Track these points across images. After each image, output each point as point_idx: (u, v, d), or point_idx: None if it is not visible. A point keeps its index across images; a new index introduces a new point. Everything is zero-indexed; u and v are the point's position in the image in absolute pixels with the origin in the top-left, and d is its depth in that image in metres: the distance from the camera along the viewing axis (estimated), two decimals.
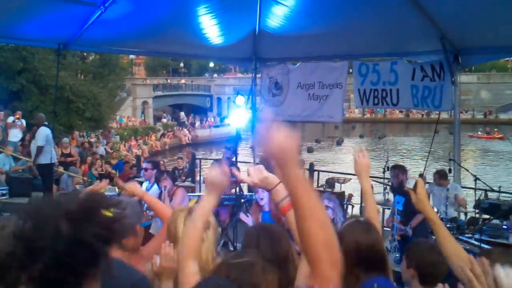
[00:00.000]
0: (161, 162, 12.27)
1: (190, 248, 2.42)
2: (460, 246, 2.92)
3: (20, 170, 13.78)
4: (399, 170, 8.16)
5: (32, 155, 12.01)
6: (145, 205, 7.08)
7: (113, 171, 16.89)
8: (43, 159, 11.42)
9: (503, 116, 63.63)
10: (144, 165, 8.37)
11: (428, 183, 9.64)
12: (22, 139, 16.73)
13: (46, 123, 12.03)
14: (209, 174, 2.56)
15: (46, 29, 9.09)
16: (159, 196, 7.20)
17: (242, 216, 6.49)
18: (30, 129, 13.63)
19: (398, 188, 8.30)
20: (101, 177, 15.96)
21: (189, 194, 10.15)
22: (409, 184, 2.99)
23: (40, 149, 11.29)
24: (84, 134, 27.45)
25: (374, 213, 3.47)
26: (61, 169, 15.11)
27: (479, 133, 49.30)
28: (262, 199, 6.30)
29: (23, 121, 17.18)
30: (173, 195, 7.34)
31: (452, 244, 2.86)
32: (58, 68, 12.31)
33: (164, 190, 7.35)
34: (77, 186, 10.62)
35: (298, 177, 1.71)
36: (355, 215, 3.62)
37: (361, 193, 11.56)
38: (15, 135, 16.61)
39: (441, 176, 9.35)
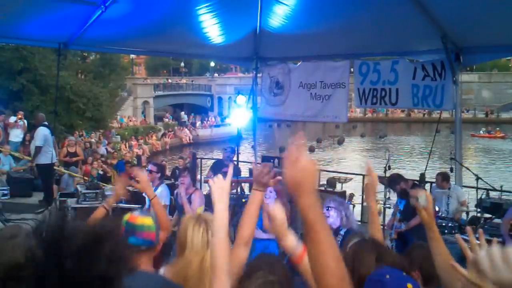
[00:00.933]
0: (165, 164, 12.29)
1: (221, 262, 2.34)
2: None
3: (21, 171, 13.77)
4: (401, 180, 8.25)
5: (31, 155, 12.01)
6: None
7: (114, 171, 16.90)
8: (43, 159, 11.39)
9: (504, 115, 63.64)
10: (149, 166, 8.36)
11: (428, 182, 9.63)
12: (24, 139, 16.70)
13: (46, 122, 12.01)
14: (215, 184, 2.56)
15: (46, 29, 9.09)
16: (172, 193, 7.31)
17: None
18: (31, 129, 13.64)
19: (400, 195, 8.33)
20: (100, 177, 15.99)
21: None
22: (421, 200, 2.96)
23: (38, 149, 11.27)
24: (85, 134, 27.45)
25: (379, 234, 3.67)
26: (62, 169, 15.12)
27: (481, 132, 49.32)
28: (269, 198, 6.26)
29: (25, 121, 17.17)
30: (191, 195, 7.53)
31: (445, 258, 2.80)
32: (59, 67, 12.30)
33: (181, 185, 7.60)
34: (78, 186, 10.58)
35: (315, 205, 1.70)
36: (358, 234, 3.64)
37: (362, 193, 11.59)
38: (16, 135, 16.60)
39: (444, 178, 9.34)
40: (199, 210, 6.34)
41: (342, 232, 5.29)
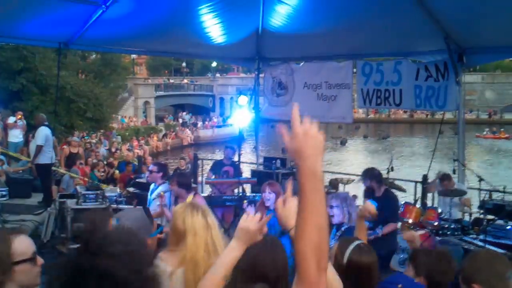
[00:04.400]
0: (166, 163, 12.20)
1: None
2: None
3: (21, 171, 13.72)
4: (365, 174, 7.87)
5: (31, 155, 11.95)
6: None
7: (117, 173, 16.85)
8: (43, 159, 11.34)
9: (507, 116, 63.64)
10: (150, 167, 8.34)
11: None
12: (26, 140, 16.64)
13: (47, 123, 11.96)
14: (245, 222, 2.45)
15: (47, 28, 9.09)
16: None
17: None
18: (30, 130, 13.59)
19: (366, 194, 8.04)
20: (105, 180, 15.94)
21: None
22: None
23: (39, 149, 11.22)
24: (85, 135, 27.42)
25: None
26: (62, 169, 15.07)
27: (485, 133, 49.35)
28: (268, 199, 6.25)
29: (24, 122, 17.13)
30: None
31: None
32: (59, 67, 12.27)
33: (170, 194, 7.24)
34: (78, 187, 10.53)
35: (314, 171, 1.69)
36: (354, 237, 3.66)
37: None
38: (15, 135, 16.54)
39: (447, 179, 9.28)
40: (189, 198, 6.20)
41: (343, 228, 5.24)
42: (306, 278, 1.67)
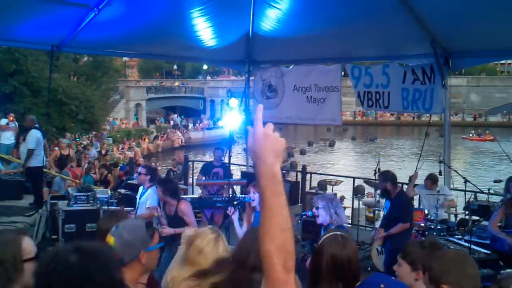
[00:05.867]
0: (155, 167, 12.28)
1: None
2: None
3: (12, 174, 13.71)
4: (381, 176, 8.13)
5: (21, 157, 11.90)
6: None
7: (110, 175, 16.89)
8: (34, 162, 11.32)
9: (492, 119, 64.26)
10: (139, 169, 8.42)
11: (416, 184, 9.73)
12: (17, 142, 16.63)
13: (37, 125, 11.97)
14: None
15: (39, 31, 9.08)
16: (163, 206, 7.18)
17: (234, 221, 6.52)
18: (22, 132, 13.55)
19: (382, 194, 8.34)
20: (98, 182, 15.99)
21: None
22: None
23: (30, 152, 11.20)
24: (77, 137, 27.41)
25: None
26: (53, 171, 15.10)
27: (471, 135, 49.81)
28: (253, 200, 6.36)
29: (16, 124, 17.11)
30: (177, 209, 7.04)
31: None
32: (51, 70, 12.29)
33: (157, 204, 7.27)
34: (69, 189, 10.59)
35: (273, 173, 1.69)
36: (335, 229, 3.70)
37: (352, 195, 11.68)
38: (7, 137, 16.50)
39: (433, 182, 9.43)
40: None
41: (332, 227, 5.39)
42: (272, 278, 1.67)
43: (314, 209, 5.60)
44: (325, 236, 3.11)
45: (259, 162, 1.70)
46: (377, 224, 11.75)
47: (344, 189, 13.79)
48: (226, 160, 10.99)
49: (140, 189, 7.94)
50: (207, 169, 10.91)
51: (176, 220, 6.87)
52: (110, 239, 2.82)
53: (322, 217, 5.46)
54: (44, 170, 12.98)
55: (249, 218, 6.50)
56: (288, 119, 12.53)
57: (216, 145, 13.76)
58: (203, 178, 10.71)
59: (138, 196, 7.85)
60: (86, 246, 1.86)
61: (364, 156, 37.41)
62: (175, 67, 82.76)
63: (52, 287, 1.75)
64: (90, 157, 20.96)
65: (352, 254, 2.98)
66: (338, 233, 3.11)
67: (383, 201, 10.64)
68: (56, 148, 17.49)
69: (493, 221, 7.53)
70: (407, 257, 3.45)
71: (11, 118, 16.92)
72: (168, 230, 6.74)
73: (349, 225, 11.02)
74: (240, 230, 6.31)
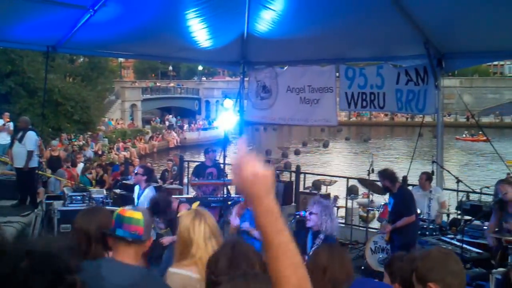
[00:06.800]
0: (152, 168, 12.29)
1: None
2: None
3: (11, 175, 13.64)
4: (379, 175, 8.28)
5: (14, 158, 11.73)
6: None
7: (106, 175, 16.94)
8: (32, 163, 11.35)
9: (484, 120, 64.48)
10: (136, 169, 8.45)
11: (410, 185, 9.81)
12: (12, 143, 16.59)
13: (31, 126, 11.97)
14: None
15: (35, 32, 9.11)
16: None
17: (231, 217, 6.62)
18: (16, 132, 13.47)
19: (384, 191, 8.48)
20: (96, 182, 16.05)
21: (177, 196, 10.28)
22: None
23: (31, 154, 11.19)
24: (72, 137, 27.41)
25: None
26: (48, 172, 15.13)
27: (464, 135, 50.03)
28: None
29: (11, 124, 17.09)
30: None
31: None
32: (47, 70, 12.31)
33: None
34: (65, 189, 10.64)
35: (271, 211, 1.59)
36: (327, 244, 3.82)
37: (346, 195, 11.75)
38: (3, 138, 16.46)
39: (428, 177, 9.50)
40: (194, 205, 6.38)
41: (321, 236, 5.44)
42: None
43: (307, 213, 5.64)
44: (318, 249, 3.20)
45: (254, 204, 1.59)
46: (372, 224, 11.86)
47: (338, 189, 13.86)
48: (220, 160, 11.05)
49: (136, 189, 7.97)
50: (200, 170, 10.92)
51: (177, 224, 6.92)
52: (137, 214, 2.85)
53: (313, 222, 5.53)
54: (40, 172, 13.00)
55: (240, 211, 6.58)
56: (281, 120, 12.61)
57: (211, 145, 13.80)
58: (196, 179, 10.76)
59: (135, 196, 7.87)
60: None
61: (358, 156, 37.53)
62: (170, 68, 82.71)
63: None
64: (84, 157, 21.00)
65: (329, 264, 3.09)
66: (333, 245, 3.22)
67: (376, 201, 10.76)
68: (49, 149, 17.53)
69: (490, 224, 7.61)
70: (387, 268, 3.51)
71: (7, 119, 16.92)
72: (167, 239, 6.78)
73: (343, 225, 11.10)
74: (236, 221, 6.43)
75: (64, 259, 1.53)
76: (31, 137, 11.38)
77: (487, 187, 10.73)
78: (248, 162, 1.60)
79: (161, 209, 6.67)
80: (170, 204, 6.96)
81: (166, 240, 6.79)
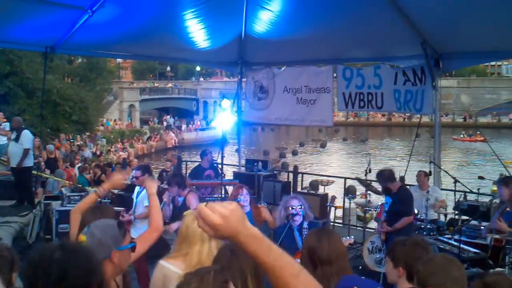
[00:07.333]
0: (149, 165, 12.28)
1: None
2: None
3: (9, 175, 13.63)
4: (378, 177, 8.27)
5: (10, 158, 11.75)
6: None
7: (104, 176, 16.91)
8: (27, 162, 11.35)
9: (482, 120, 64.61)
10: (133, 173, 8.40)
11: (408, 185, 9.82)
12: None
13: (23, 126, 11.99)
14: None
15: (33, 33, 9.12)
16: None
17: None
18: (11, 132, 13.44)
19: (383, 191, 8.47)
20: (93, 182, 16.01)
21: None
22: None
23: (27, 152, 11.22)
24: (71, 138, 27.41)
25: None
26: (47, 172, 15.12)
27: (462, 136, 50.11)
28: (245, 201, 6.57)
29: (7, 124, 17.07)
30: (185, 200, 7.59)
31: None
32: (45, 71, 12.32)
33: (169, 196, 7.58)
34: (63, 189, 10.65)
35: (253, 236, 1.61)
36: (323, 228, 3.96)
37: (344, 195, 11.77)
38: (0, 138, 16.47)
39: (426, 174, 9.52)
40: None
41: (306, 225, 5.63)
42: None
43: (290, 210, 5.69)
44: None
45: (236, 239, 1.60)
46: (370, 224, 11.88)
47: (336, 189, 13.87)
48: (218, 160, 11.06)
49: (136, 188, 7.95)
50: (197, 172, 10.90)
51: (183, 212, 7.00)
52: (82, 238, 2.83)
53: (300, 217, 5.66)
54: (39, 173, 13.00)
55: None
56: (277, 120, 12.63)
57: (207, 147, 13.81)
58: (194, 180, 10.76)
59: (134, 196, 7.86)
60: (69, 244, 2.06)
61: (355, 156, 37.55)
62: (168, 68, 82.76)
63: (36, 279, 1.93)
64: (81, 158, 20.99)
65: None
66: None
67: (374, 201, 10.77)
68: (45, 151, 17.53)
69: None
70: (390, 254, 3.52)
71: (4, 120, 16.91)
72: (173, 226, 6.91)
73: (340, 225, 11.12)
74: None
75: (91, 254, 1.77)
76: (27, 135, 11.41)
77: (482, 178, 10.71)
78: (210, 211, 1.59)
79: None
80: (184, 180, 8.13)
81: (173, 226, 6.94)
